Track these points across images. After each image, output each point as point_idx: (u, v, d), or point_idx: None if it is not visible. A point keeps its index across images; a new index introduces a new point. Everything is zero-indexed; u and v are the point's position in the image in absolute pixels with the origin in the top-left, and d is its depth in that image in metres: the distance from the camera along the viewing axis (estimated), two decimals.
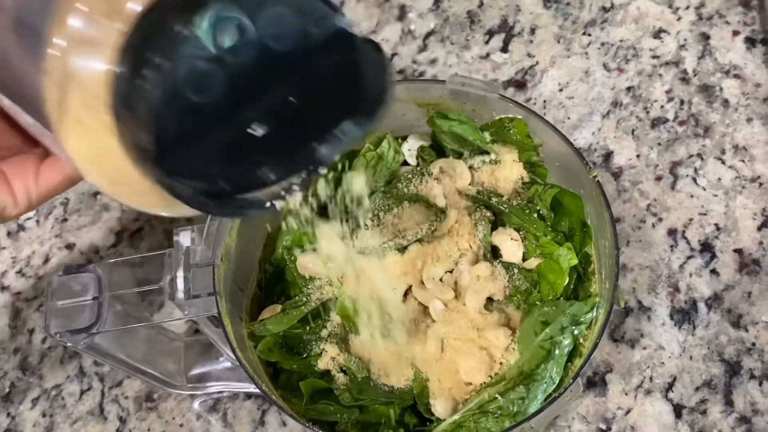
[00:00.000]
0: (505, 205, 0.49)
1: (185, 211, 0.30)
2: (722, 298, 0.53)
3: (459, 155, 0.52)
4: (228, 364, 0.53)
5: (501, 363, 0.44)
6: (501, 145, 0.50)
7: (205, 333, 0.47)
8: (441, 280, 0.48)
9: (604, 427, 0.51)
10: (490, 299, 0.47)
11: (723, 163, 0.58)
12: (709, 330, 0.52)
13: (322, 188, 0.36)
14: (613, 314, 0.53)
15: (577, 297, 0.47)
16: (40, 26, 0.26)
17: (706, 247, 0.55)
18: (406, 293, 0.48)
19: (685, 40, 0.64)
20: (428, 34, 0.68)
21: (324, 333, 0.47)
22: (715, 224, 0.56)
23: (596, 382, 0.52)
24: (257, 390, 0.42)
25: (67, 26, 0.26)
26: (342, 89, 0.31)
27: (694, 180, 0.58)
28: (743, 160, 0.58)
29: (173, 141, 0.27)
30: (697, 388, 0.51)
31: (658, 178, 0.58)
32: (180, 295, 0.43)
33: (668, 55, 0.63)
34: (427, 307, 0.47)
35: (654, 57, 0.63)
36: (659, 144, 0.59)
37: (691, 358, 0.52)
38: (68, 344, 0.43)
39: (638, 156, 0.59)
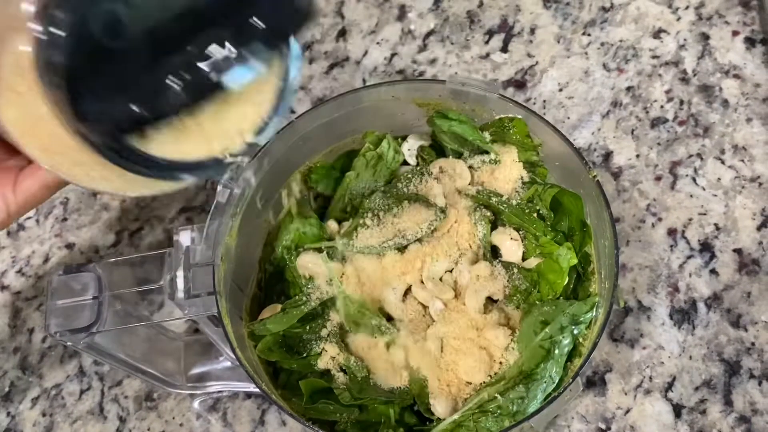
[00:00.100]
0: (505, 205, 0.49)
1: (131, 189, 0.32)
2: (722, 298, 0.53)
3: (459, 155, 0.52)
4: (228, 363, 0.53)
5: (501, 362, 0.44)
6: (501, 145, 0.50)
7: (204, 332, 0.47)
8: (441, 279, 0.48)
9: (603, 426, 0.51)
10: (489, 299, 0.47)
11: (722, 163, 0.58)
12: (708, 330, 0.52)
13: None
14: (613, 314, 0.53)
15: (576, 297, 0.47)
16: None
17: (706, 247, 0.55)
18: (406, 293, 0.48)
19: (684, 40, 0.64)
20: (428, 34, 0.68)
21: (324, 332, 0.47)
22: (715, 224, 0.56)
23: (596, 382, 0.52)
24: (257, 389, 0.42)
25: None
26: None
27: (694, 180, 0.58)
28: (743, 160, 0.58)
29: (91, 86, 0.29)
30: (697, 388, 0.51)
31: (658, 178, 0.58)
32: (180, 294, 0.43)
33: (668, 55, 0.63)
34: (427, 306, 0.47)
35: (654, 57, 0.63)
36: (659, 144, 0.59)
37: (690, 357, 0.52)
38: (68, 343, 0.43)
39: (638, 156, 0.59)
